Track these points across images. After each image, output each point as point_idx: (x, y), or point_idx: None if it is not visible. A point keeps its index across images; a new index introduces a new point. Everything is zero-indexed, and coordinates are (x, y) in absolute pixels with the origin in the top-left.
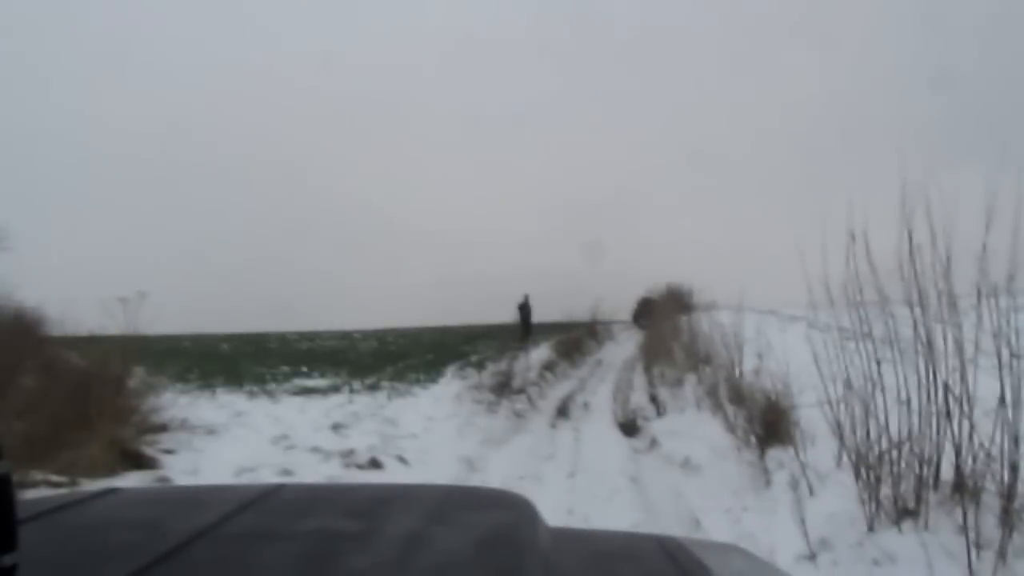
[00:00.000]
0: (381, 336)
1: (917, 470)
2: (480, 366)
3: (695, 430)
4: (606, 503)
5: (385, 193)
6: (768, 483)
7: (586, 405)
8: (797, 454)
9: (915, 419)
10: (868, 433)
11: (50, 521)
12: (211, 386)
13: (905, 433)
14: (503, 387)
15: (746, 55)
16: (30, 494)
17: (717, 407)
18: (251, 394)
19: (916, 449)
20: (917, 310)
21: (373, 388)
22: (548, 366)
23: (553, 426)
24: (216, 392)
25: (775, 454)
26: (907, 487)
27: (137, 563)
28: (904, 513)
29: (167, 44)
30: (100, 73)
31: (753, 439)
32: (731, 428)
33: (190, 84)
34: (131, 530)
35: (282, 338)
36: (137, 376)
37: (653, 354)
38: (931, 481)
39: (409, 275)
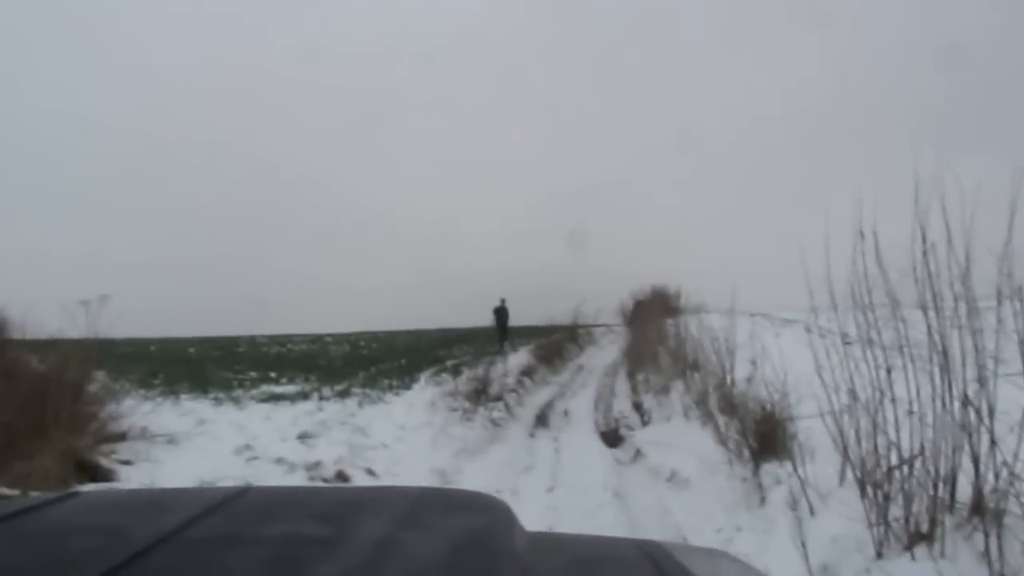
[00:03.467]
0: (354, 340)
1: (931, 489)
2: (456, 372)
3: (683, 441)
4: (588, 520)
5: (361, 192)
6: (763, 500)
7: (567, 413)
8: (796, 469)
9: (929, 433)
10: (875, 447)
11: (9, 526)
12: (175, 392)
13: (917, 448)
14: (479, 394)
15: (738, 39)
16: None
17: (707, 417)
18: (216, 401)
19: (930, 466)
20: (931, 314)
21: (344, 395)
22: (527, 372)
23: (532, 435)
24: (180, 399)
25: (770, 469)
26: (920, 508)
27: (99, 569)
28: (917, 537)
29: (134, 34)
30: (60, 64)
31: (746, 452)
32: (722, 440)
33: (156, 76)
34: (93, 535)
35: (251, 342)
36: (98, 382)
37: (637, 359)
38: (947, 502)
39: (385, 277)
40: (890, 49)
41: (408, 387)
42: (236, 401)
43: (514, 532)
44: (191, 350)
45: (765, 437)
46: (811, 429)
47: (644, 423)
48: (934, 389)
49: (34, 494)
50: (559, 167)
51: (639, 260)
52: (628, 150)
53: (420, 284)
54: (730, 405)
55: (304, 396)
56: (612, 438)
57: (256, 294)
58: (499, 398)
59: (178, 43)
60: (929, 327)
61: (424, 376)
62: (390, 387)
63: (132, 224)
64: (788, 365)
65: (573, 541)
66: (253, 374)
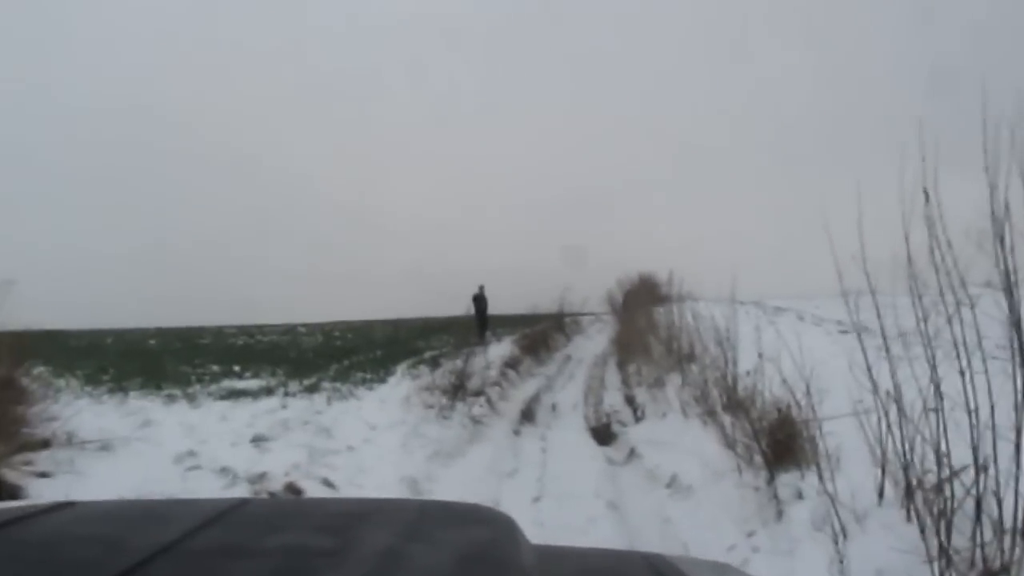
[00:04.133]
0: (329, 330)
1: (997, 512)
2: (434, 364)
3: (682, 441)
4: (580, 536)
5: (340, 181)
6: (780, 515)
7: (554, 407)
8: (823, 483)
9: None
10: (922, 459)
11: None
12: (125, 389)
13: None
14: (457, 389)
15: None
16: None
17: (709, 415)
18: (169, 398)
19: (997, 483)
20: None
21: (312, 390)
22: (511, 363)
23: (516, 433)
24: (128, 396)
25: (789, 479)
26: (989, 536)
27: None
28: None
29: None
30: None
31: (757, 458)
32: (729, 443)
33: (127, 61)
34: (88, 546)
35: (219, 333)
36: (36, 378)
37: (627, 350)
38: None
39: (364, 266)
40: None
41: (383, 381)
42: (192, 398)
43: (519, 545)
44: (152, 342)
45: (781, 443)
46: (837, 433)
47: (637, 419)
48: (1018, 389)
49: (22, 503)
50: (544, 160)
51: (626, 251)
52: (614, 145)
53: (403, 276)
54: (736, 403)
55: (268, 392)
56: (604, 435)
57: (230, 284)
58: (480, 392)
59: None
60: (1011, 311)
61: (400, 368)
62: (363, 381)
63: (99, 213)
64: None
65: (578, 554)
66: (215, 368)
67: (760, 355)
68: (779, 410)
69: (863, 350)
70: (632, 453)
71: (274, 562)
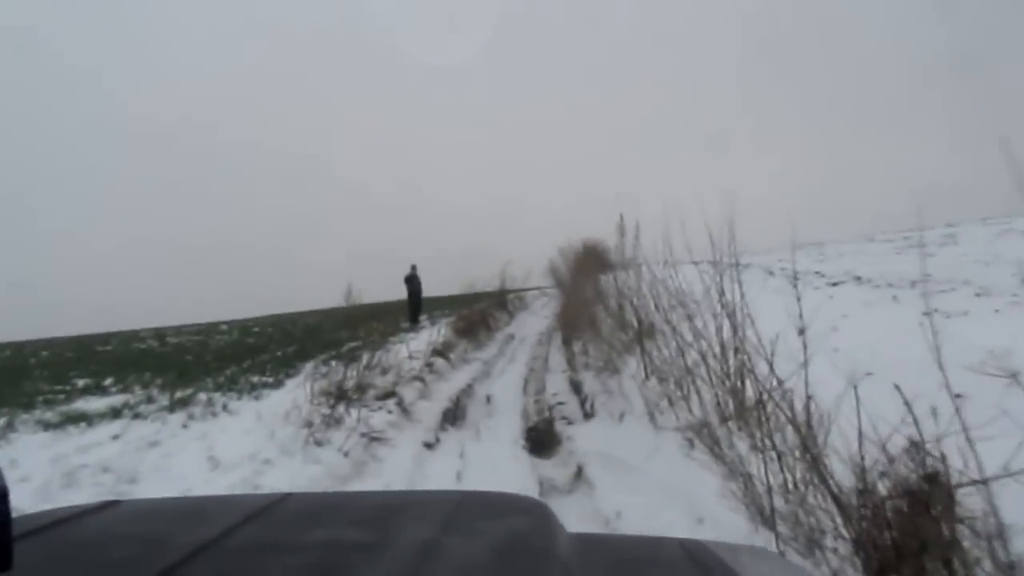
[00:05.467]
0: (250, 326)
1: None
2: (351, 357)
3: (653, 465)
4: None
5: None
6: None
7: (489, 400)
8: None
9: None
10: None
11: (47, 537)
12: None
13: None
14: (340, 399)
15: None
16: None
17: (698, 432)
18: None
19: None
20: None
21: (182, 404)
22: (442, 350)
23: (430, 446)
24: None
25: None
26: None
27: None
28: None
29: None
30: None
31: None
32: (749, 494)
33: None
34: (132, 544)
35: (132, 337)
36: None
37: (572, 325)
38: None
39: (309, 255)
40: None
41: (280, 385)
42: (8, 428)
43: (556, 533)
44: (44, 353)
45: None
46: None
47: (586, 414)
48: None
49: (69, 505)
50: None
51: (565, 216)
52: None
53: (345, 261)
54: (758, 415)
55: (116, 414)
56: (543, 440)
57: (169, 282)
58: (390, 394)
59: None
60: None
61: (310, 366)
62: (252, 388)
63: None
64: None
65: (616, 541)
66: (81, 383)
67: (802, 331)
68: (922, 474)
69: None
70: (580, 476)
71: (314, 556)
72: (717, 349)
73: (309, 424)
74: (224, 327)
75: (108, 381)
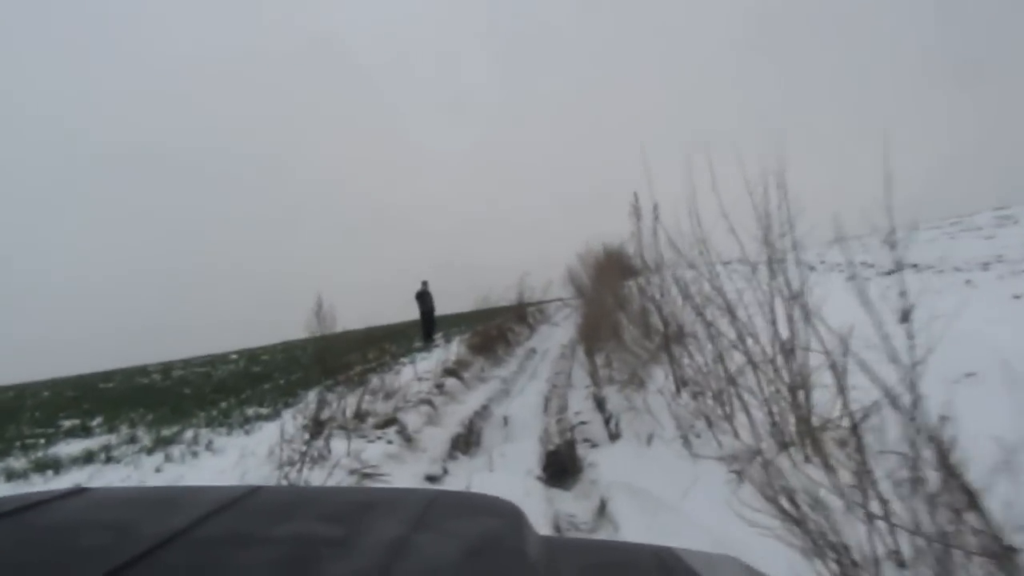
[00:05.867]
0: (258, 354)
1: None
2: (360, 382)
3: (691, 505)
4: None
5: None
6: None
7: (506, 422)
8: None
9: None
10: None
11: (14, 521)
12: None
13: None
14: (317, 433)
15: None
16: None
17: (746, 461)
18: None
19: None
20: None
21: (168, 442)
22: (455, 368)
23: (435, 478)
24: None
25: None
26: None
27: (106, 566)
28: None
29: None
30: None
31: None
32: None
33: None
34: (101, 531)
35: (139, 372)
36: None
37: (594, 336)
38: None
39: (323, 279)
40: None
41: (277, 415)
42: None
43: (527, 535)
44: (45, 394)
45: None
46: None
47: (611, 436)
48: None
49: (37, 491)
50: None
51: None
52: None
53: (361, 283)
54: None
55: (88, 458)
56: (563, 465)
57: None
58: (390, 422)
59: None
60: None
61: (312, 395)
62: (246, 420)
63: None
64: None
65: (588, 545)
66: (68, 424)
67: (906, 316)
68: None
69: None
70: (603, 512)
71: (283, 550)
72: (771, 349)
73: (287, 463)
74: (234, 356)
75: (97, 421)
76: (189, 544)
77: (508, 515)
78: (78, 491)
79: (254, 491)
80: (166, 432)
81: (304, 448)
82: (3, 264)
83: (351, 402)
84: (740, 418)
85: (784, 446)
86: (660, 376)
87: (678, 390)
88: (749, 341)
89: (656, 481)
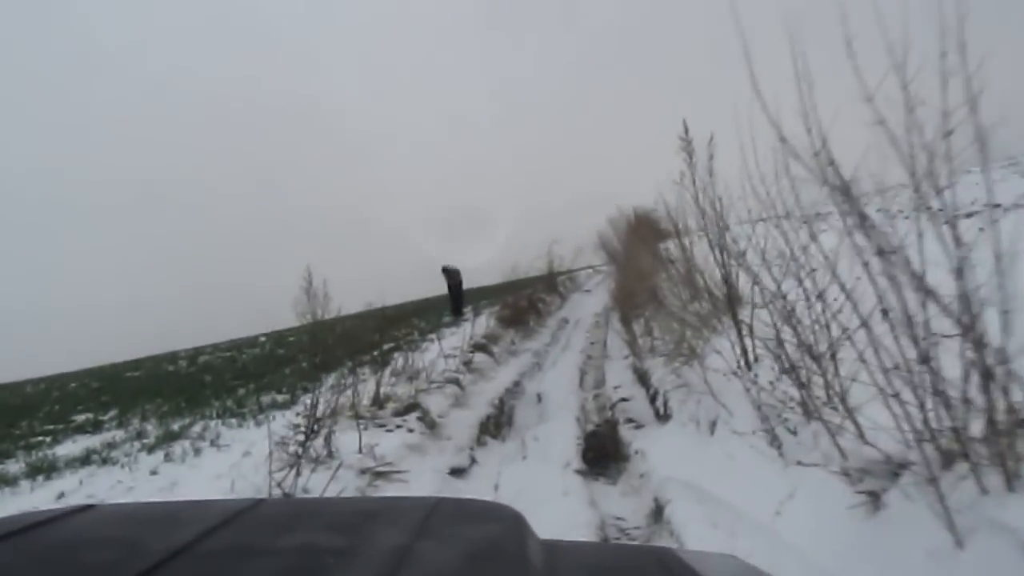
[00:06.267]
0: (285, 336)
1: None
2: (382, 362)
3: (790, 528)
4: None
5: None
6: None
7: (539, 399)
8: None
9: None
10: None
11: (21, 540)
12: None
13: None
14: (311, 432)
15: None
16: None
17: (886, 480)
18: None
19: None
20: None
21: (175, 437)
22: (484, 343)
23: (461, 471)
24: None
25: None
26: None
27: None
28: None
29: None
30: None
31: None
32: None
33: None
34: (107, 548)
35: (160, 361)
36: None
37: (630, 302)
38: None
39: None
40: None
41: (296, 402)
42: None
43: (528, 541)
44: (72, 385)
45: None
46: None
47: (660, 417)
48: None
49: (44, 508)
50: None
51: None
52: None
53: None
54: None
55: (85, 460)
56: (606, 450)
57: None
58: (412, 407)
59: None
60: None
61: (333, 377)
62: (260, 409)
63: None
64: None
65: (588, 548)
66: (82, 418)
67: None
68: None
69: None
70: (659, 519)
71: (288, 561)
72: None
73: (284, 467)
74: (263, 338)
75: (111, 414)
76: (194, 558)
77: (509, 521)
78: (85, 508)
79: (256, 504)
80: (176, 425)
81: (299, 450)
82: (51, 254)
83: (370, 387)
84: (868, 410)
85: (961, 456)
86: (722, 345)
87: (748, 365)
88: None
89: (729, 485)
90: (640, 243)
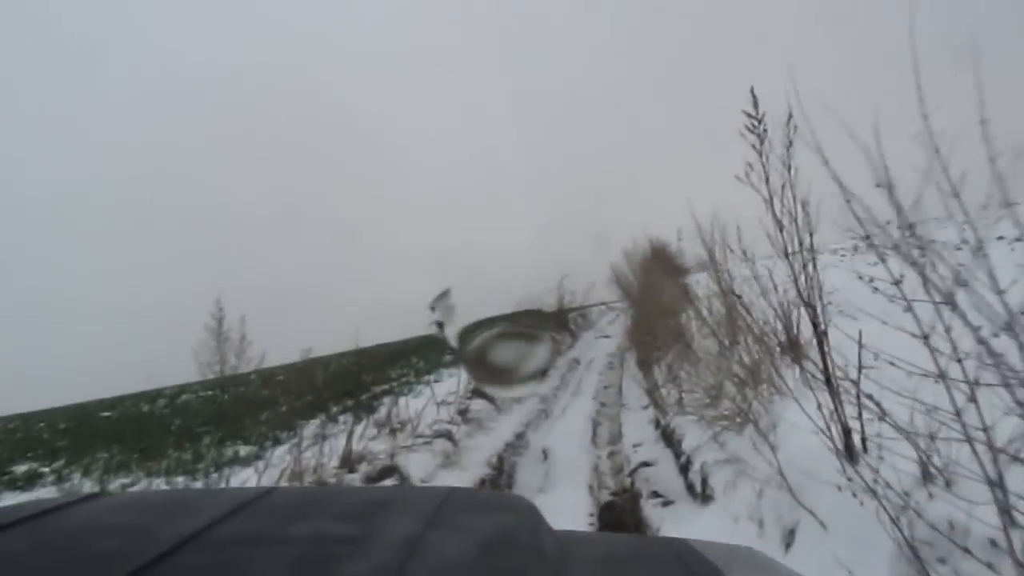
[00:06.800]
0: (275, 374)
1: None
2: (369, 408)
3: None
4: None
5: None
6: None
7: (545, 456)
8: None
9: None
10: None
11: (30, 527)
12: None
13: None
14: None
15: None
16: None
17: None
18: None
19: None
20: None
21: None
22: (481, 389)
23: None
24: None
25: None
26: None
27: (124, 569)
28: None
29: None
30: None
31: None
32: None
33: None
34: (117, 535)
35: (138, 399)
36: None
37: (647, 341)
38: None
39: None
40: None
41: (260, 457)
42: None
43: (542, 531)
44: (41, 424)
45: None
46: None
47: (694, 494)
48: None
49: (53, 497)
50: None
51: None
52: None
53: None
54: None
55: None
56: (623, 531)
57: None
58: (389, 471)
59: None
60: None
61: (311, 427)
62: (218, 467)
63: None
64: None
65: (602, 540)
66: (22, 469)
67: None
68: None
69: None
70: None
71: (300, 549)
72: None
73: None
74: (253, 376)
75: (57, 464)
76: (206, 545)
77: (523, 511)
78: (93, 496)
79: (268, 492)
80: (117, 483)
81: None
82: (65, 277)
83: (341, 443)
84: None
85: None
86: (791, 413)
87: (849, 451)
88: None
89: None
90: (660, 278)
